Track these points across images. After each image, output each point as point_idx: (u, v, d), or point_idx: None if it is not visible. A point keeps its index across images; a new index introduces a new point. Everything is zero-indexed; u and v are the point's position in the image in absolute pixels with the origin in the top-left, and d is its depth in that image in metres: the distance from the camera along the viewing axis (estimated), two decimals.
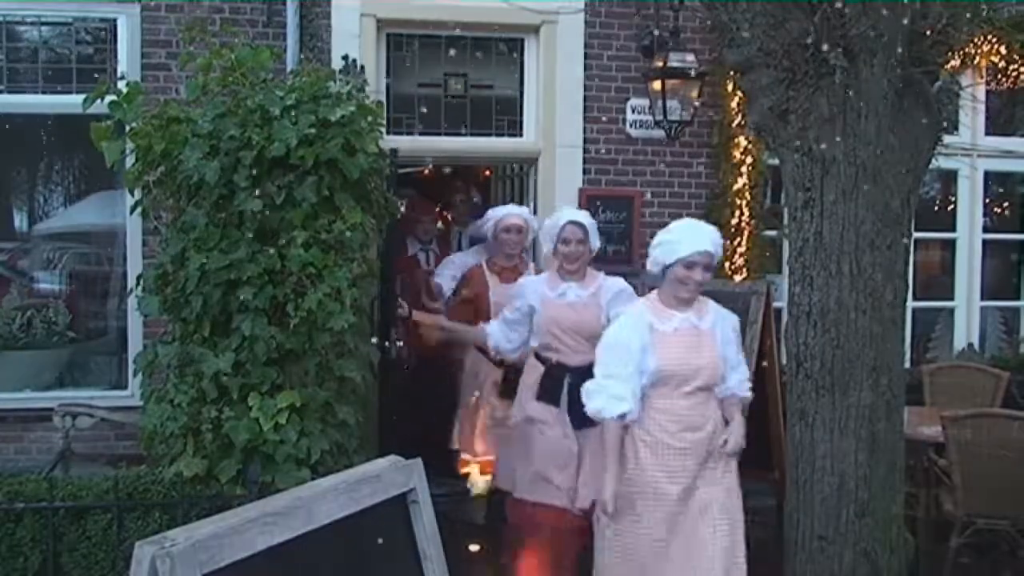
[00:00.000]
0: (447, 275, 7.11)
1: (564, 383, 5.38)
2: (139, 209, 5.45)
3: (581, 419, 4.91)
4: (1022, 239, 8.81)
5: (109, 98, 5.30)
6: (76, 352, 7.31)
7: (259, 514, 3.06)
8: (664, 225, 4.79)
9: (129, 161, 5.35)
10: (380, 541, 3.49)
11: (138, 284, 5.38)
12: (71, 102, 6.23)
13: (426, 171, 8.89)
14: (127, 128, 5.30)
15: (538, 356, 5.61)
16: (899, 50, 4.43)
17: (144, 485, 4.91)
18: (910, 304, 5.47)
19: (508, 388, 5.97)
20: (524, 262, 6.79)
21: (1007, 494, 5.63)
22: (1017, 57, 8.04)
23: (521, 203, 7.57)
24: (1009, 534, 5.89)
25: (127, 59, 6.93)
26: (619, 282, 5.60)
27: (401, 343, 6.91)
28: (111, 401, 6.70)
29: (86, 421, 6.23)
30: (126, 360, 6.86)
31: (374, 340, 5.86)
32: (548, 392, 5.46)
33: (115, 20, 7.01)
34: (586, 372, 4.81)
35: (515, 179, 8.27)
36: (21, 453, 6.84)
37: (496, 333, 5.82)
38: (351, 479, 3.48)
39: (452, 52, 7.53)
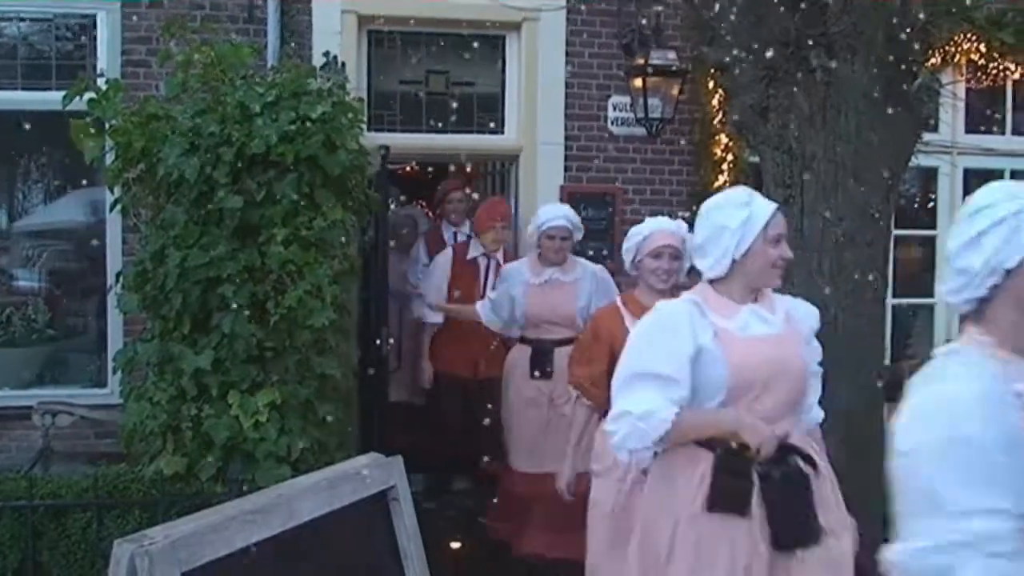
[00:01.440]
0: (505, 293, 6.00)
1: (754, 475, 3.24)
2: (119, 206, 5.43)
3: (792, 534, 3.22)
4: None
5: (88, 95, 5.27)
6: (56, 350, 7.28)
7: (239, 512, 3.05)
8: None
9: (109, 158, 5.32)
10: (360, 538, 3.49)
11: (118, 281, 5.36)
12: (51, 99, 6.18)
13: (408, 168, 8.89)
14: (107, 125, 5.28)
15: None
16: (879, 48, 4.45)
17: (124, 483, 4.90)
18: (890, 301, 5.49)
19: None
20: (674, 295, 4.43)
21: None
22: (996, 55, 8.07)
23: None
24: None
25: (107, 56, 6.89)
26: (807, 304, 3.75)
27: (393, 341, 6.84)
28: (91, 399, 6.67)
29: (66, 419, 6.20)
30: (106, 358, 6.82)
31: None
32: (729, 494, 3.24)
33: (95, 16, 6.97)
34: (784, 452, 3.28)
35: (496, 176, 8.27)
36: (0, 451, 6.81)
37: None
38: (332, 477, 3.48)
39: (434, 49, 7.53)
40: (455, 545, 6.24)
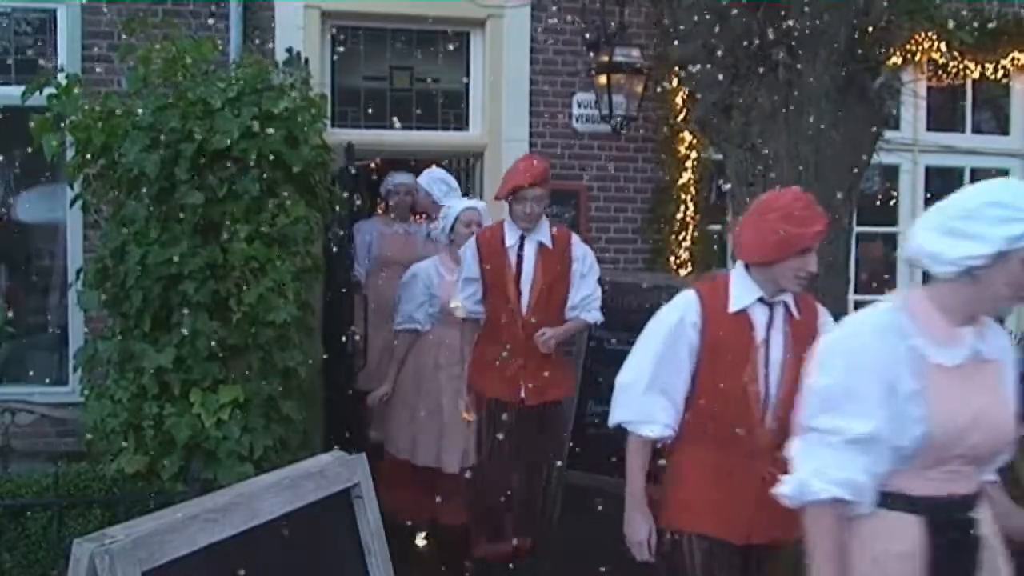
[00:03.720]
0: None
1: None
2: (79, 202, 5.38)
3: None
4: None
5: (48, 90, 5.22)
6: (16, 348, 7.19)
7: (200, 511, 3.04)
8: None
9: (69, 154, 5.28)
10: (323, 536, 3.48)
11: (78, 278, 5.32)
12: (10, 94, 6.13)
13: (372, 164, 8.85)
14: (67, 121, 5.23)
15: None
16: (841, 46, 4.48)
17: (85, 482, 4.85)
18: (851, 298, 5.51)
19: None
20: None
21: None
22: (957, 54, 8.15)
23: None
24: None
25: (67, 51, 6.84)
26: None
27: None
28: (52, 397, 6.62)
29: (26, 418, 6.14)
30: (67, 356, 6.76)
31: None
32: None
33: (55, 11, 6.90)
34: None
35: (461, 173, 8.26)
36: None
37: None
38: (294, 475, 3.46)
39: (398, 45, 7.51)
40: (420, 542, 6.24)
